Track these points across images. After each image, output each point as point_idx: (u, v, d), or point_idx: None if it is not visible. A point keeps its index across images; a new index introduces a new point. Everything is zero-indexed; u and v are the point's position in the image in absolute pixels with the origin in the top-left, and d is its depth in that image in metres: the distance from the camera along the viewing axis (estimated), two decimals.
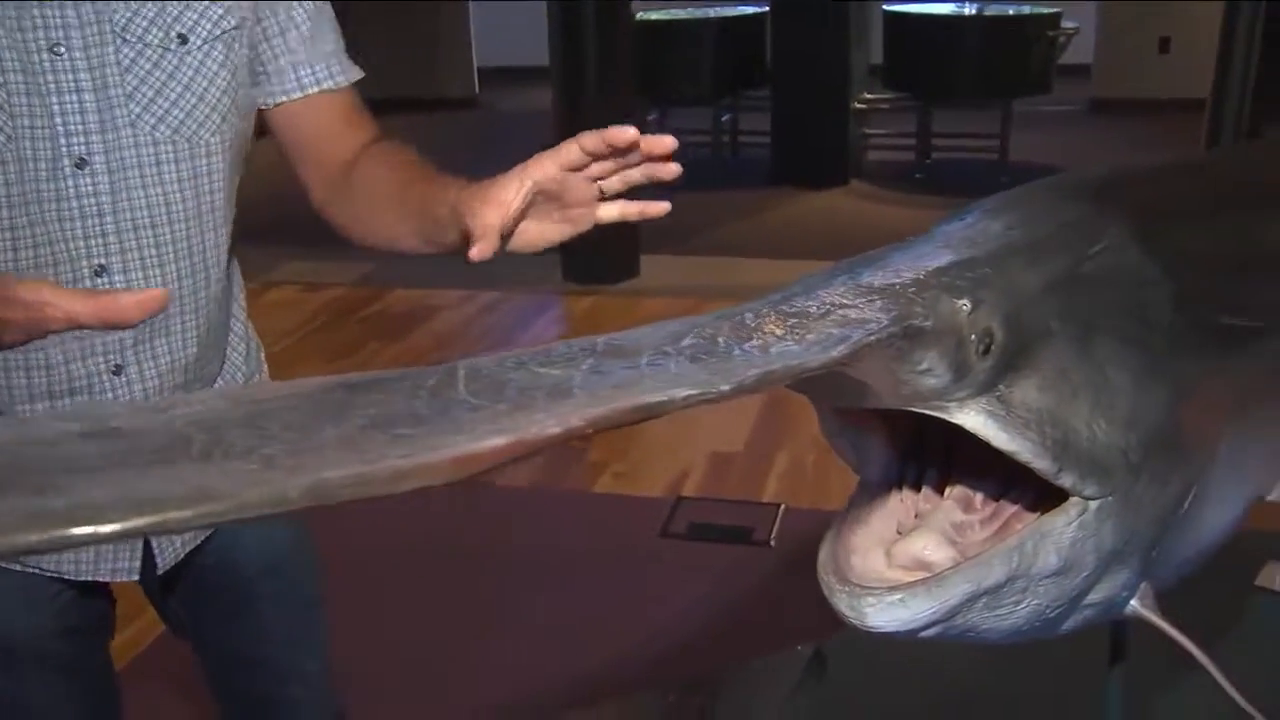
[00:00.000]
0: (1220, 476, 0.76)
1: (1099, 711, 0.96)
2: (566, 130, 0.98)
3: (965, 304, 0.58)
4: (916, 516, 0.71)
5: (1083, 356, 0.65)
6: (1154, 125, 6.44)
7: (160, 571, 1.20)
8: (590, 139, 0.94)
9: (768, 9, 6.22)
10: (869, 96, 6.33)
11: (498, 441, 0.35)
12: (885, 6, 6.22)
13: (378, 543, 2.57)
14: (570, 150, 0.94)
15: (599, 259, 4.62)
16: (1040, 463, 0.62)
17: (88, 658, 1.24)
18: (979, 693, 1.17)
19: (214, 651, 1.34)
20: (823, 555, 0.67)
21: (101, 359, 1.09)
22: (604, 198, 0.99)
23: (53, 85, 0.99)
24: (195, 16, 1.05)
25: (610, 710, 1.41)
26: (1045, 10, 5.95)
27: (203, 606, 1.29)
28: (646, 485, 3.09)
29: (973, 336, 0.58)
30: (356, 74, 1.20)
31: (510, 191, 0.95)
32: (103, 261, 1.05)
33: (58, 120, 1.00)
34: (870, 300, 0.55)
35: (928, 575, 0.63)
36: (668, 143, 0.97)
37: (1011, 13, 6.10)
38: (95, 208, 1.03)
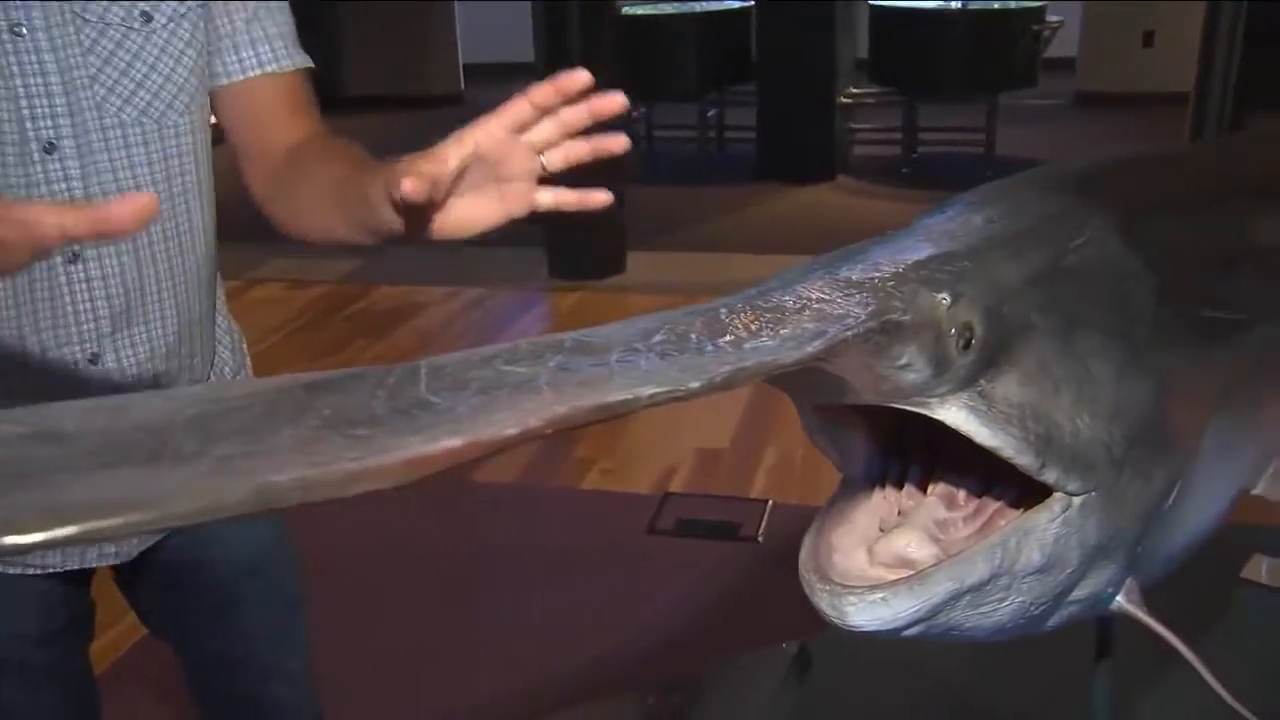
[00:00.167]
0: (1205, 470, 0.75)
1: (1085, 708, 0.96)
2: None
3: (945, 298, 0.57)
4: (899, 514, 0.70)
5: (1065, 350, 0.64)
6: (1138, 119, 6.46)
7: (119, 561, 1.19)
8: (539, 90, 0.88)
9: (753, 4, 6.21)
10: (855, 91, 6.33)
11: (452, 443, 0.34)
12: (871, 1, 6.22)
13: (360, 539, 2.55)
14: (518, 106, 0.88)
15: (585, 255, 4.62)
16: (1022, 458, 0.61)
17: (68, 663, 1.23)
18: (964, 690, 1.16)
19: (195, 652, 1.33)
20: (804, 553, 0.66)
21: (78, 347, 1.06)
22: (544, 178, 0.92)
23: (16, 68, 0.97)
24: None
25: (590, 712, 1.40)
26: (1030, 4, 5.95)
27: (184, 608, 1.28)
28: (634, 481, 3.09)
29: (952, 331, 0.57)
30: (303, 60, 1.16)
31: (448, 151, 0.88)
32: (76, 248, 1.03)
33: (23, 104, 0.98)
34: (848, 295, 0.54)
35: (910, 573, 0.63)
36: (617, 102, 0.89)
37: (996, 7, 6.11)
38: (67, 192, 1.01)
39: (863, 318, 0.53)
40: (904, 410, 0.61)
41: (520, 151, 0.90)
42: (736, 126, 6.68)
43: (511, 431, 0.35)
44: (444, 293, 4.61)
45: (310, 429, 0.36)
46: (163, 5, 1.03)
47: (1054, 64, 6.46)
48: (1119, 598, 0.73)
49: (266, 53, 1.12)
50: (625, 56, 4.86)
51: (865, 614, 0.61)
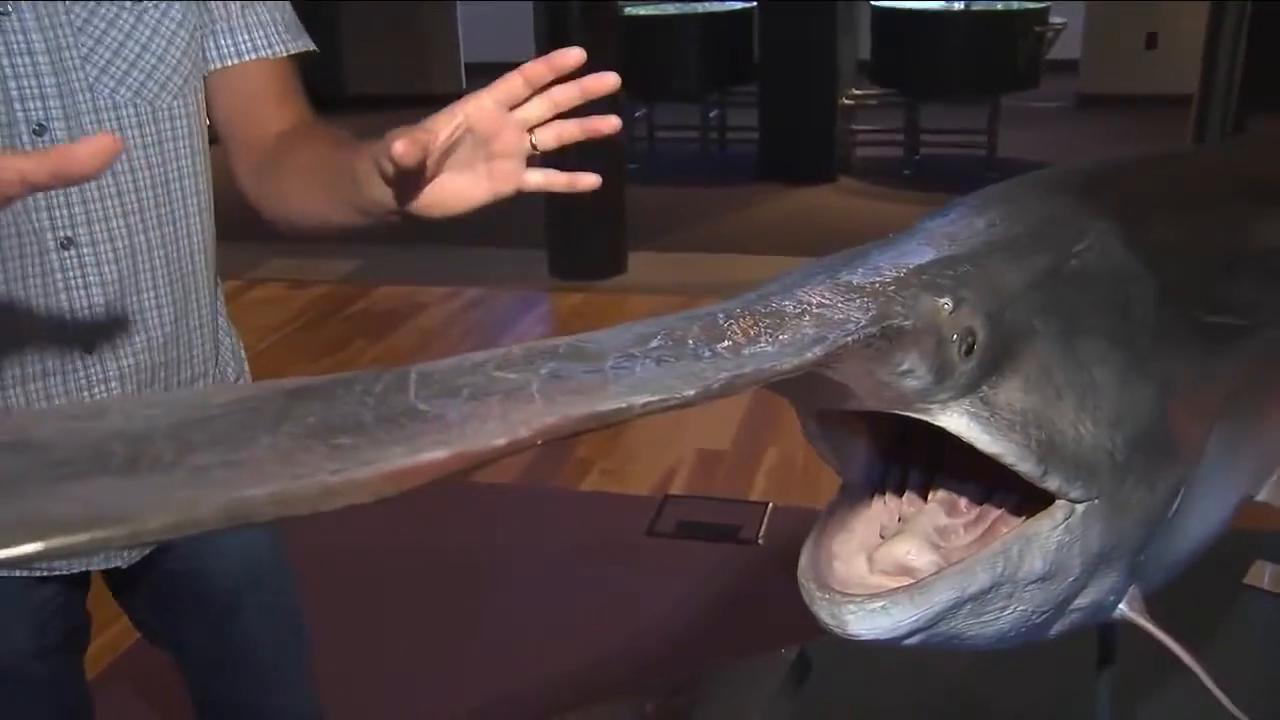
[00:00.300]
0: (1209, 476, 0.74)
1: (1088, 715, 0.95)
2: None
3: (947, 303, 0.57)
4: (900, 520, 0.69)
5: (1068, 356, 0.63)
6: (1141, 121, 6.45)
7: (125, 564, 1.17)
8: (535, 65, 0.87)
9: (755, 4, 6.20)
10: (857, 92, 6.32)
11: (437, 455, 0.33)
12: (873, 2, 6.21)
13: (358, 539, 2.54)
14: (511, 82, 0.87)
15: (586, 255, 4.61)
16: (1025, 465, 0.60)
17: (63, 675, 1.21)
18: (965, 697, 1.16)
19: (195, 660, 1.31)
20: (803, 560, 0.65)
21: (73, 335, 1.04)
22: (533, 158, 0.91)
23: (2, 47, 0.95)
24: None
25: (588, 717, 1.39)
26: (1033, 6, 5.94)
27: (183, 618, 1.26)
28: (634, 483, 3.08)
29: (954, 336, 0.57)
30: (297, 45, 1.14)
31: (438, 122, 0.87)
32: (69, 234, 1.01)
33: (11, 84, 0.96)
34: (849, 299, 0.54)
35: (910, 581, 0.62)
36: (609, 81, 0.88)
37: (999, 8, 6.10)
38: None
39: (863, 323, 0.52)
40: (905, 416, 0.60)
41: (511, 128, 0.89)
42: (738, 127, 6.67)
43: (500, 443, 0.34)
44: (444, 293, 4.60)
45: (291, 438, 0.35)
46: None
47: (1056, 66, 6.46)
48: (1121, 605, 0.73)
49: (261, 38, 1.10)
50: (627, 57, 4.85)
51: (865, 623, 0.60)
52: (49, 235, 1.01)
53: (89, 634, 1.24)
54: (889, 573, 0.65)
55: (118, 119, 1.02)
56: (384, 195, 0.92)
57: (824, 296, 0.54)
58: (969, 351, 0.57)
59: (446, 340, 4.21)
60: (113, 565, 1.17)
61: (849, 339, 0.51)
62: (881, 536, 0.68)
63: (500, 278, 4.65)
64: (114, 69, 1.01)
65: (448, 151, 0.88)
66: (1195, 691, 0.74)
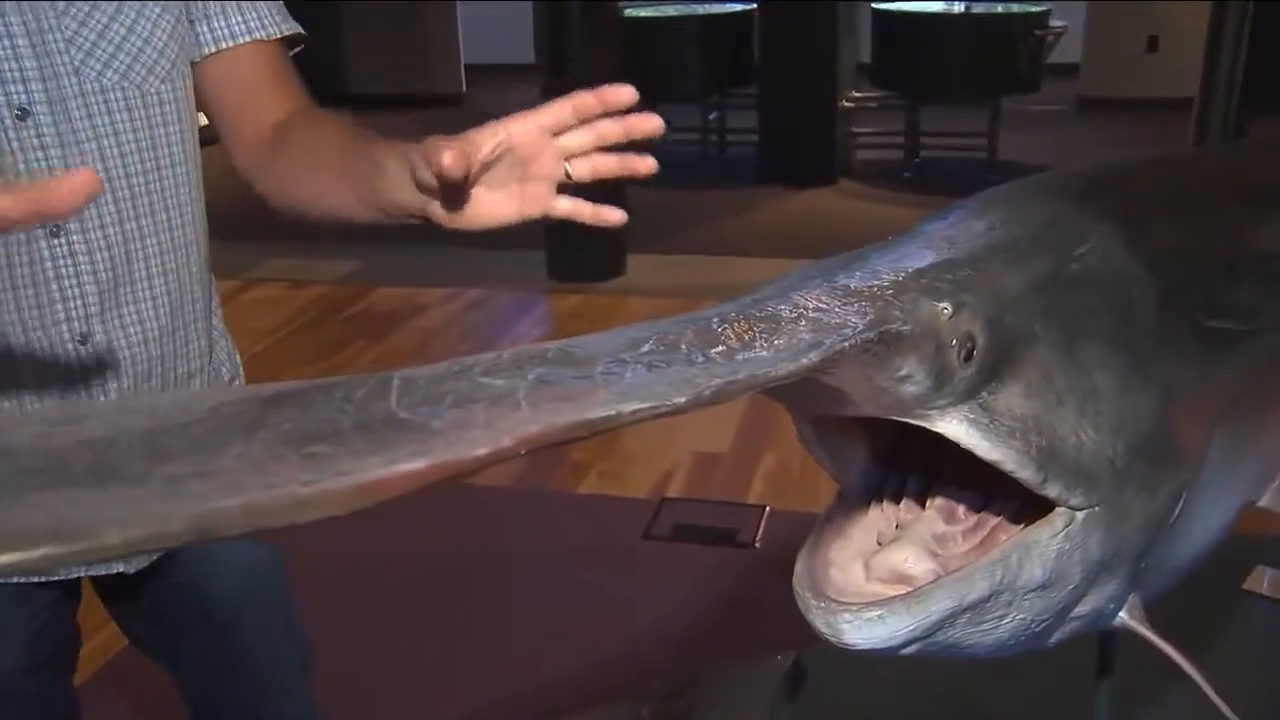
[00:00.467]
0: (1210, 483, 0.73)
1: None
2: None
3: (946, 307, 0.56)
4: (897, 527, 0.68)
5: (1068, 361, 0.62)
6: (1142, 124, 6.44)
7: (131, 571, 1.15)
8: (586, 97, 0.88)
9: (755, 6, 6.19)
10: (857, 95, 6.32)
11: (414, 466, 0.32)
12: (873, 4, 6.20)
13: (354, 542, 2.53)
14: (559, 108, 0.88)
15: (585, 257, 4.60)
16: (1025, 472, 0.59)
17: (51, 690, 1.19)
18: (963, 706, 1.15)
19: (192, 672, 1.29)
20: (799, 568, 0.64)
21: (65, 327, 1.02)
22: (567, 185, 0.92)
23: None
24: None
25: None
26: (1033, 9, 5.94)
27: (181, 633, 1.24)
28: (631, 486, 3.07)
29: (953, 341, 0.56)
30: (289, 29, 1.12)
31: (482, 136, 0.88)
32: (58, 221, 0.99)
33: None
34: (846, 303, 0.53)
35: (908, 590, 0.61)
36: (653, 124, 0.89)
37: (1000, 11, 6.09)
38: (44, 163, 0.96)
39: (861, 328, 0.51)
40: (903, 422, 0.59)
41: (550, 153, 0.90)
42: (738, 129, 6.66)
43: (481, 452, 0.33)
44: (444, 294, 4.59)
45: (265, 446, 0.34)
46: None
47: (1057, 69, 6.45)
48: (1122, 613, 0.72)
49: (254, 19, 1.09)
50: (627, 58, 4.85)
51: (861, 632, 0.59)
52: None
53: (79, 647, 1.23)
54: (886, 581, 0.64)
55: (105, 103, 1.00)
56: (411, 199, 0.92)
57: (821, 300, 0.53)
58: (968, 357, 0.57)
59: (446, 341, 4.20)
60: (115, 571, 1.14)
61: (846, 344, 0.50)
62: (879, 544, 0.67)
63: (500, 279, 4.64)
64: (99, 51, 0.99)
65: (484, 168, 0.89)
66: (1195, 699, 0.73)
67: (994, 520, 0.66)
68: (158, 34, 1.02)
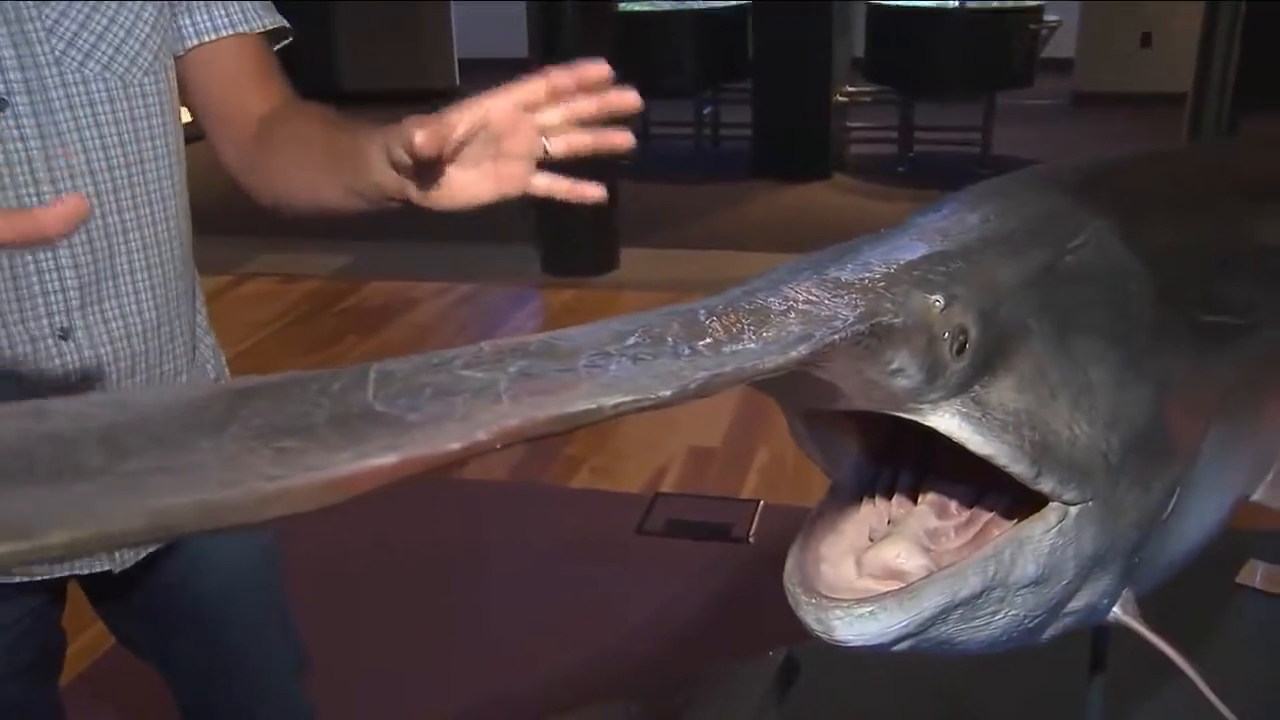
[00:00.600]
0: (1205, 477, 0.73)
1: (1079, 718, 0.94)
2: None
3: (938, 299, 0.55)
4: (889, 522, 0.68)
5: (1062, 355, 0.61)
6: (1136, 119, 6.45)
7: (116, 570, 1.14)
8: (561, 74, 0.87)
9: (749, 1, 6.19)
10: (851, 89, 6.31)
11: (385, 460, 0.31)
12: None
13: (345, 537, 2.53)
14: (534, 85, 0.87)
15: (578, 251, 4.60)
16: (1018, 467, 0.59)
17: (34, 695, 1.18)
18: (955, 702, 1.14)
19: (185, 673, 1.28)
20: (790, 564, 0.63)
21: (46, 321, 1.00)
22: (544, 162, 0.91)
23: None
24: None
25: (575, 719, 1.37)
26: (1027, 4, 5.94)
27: (173, 634, 1.23)
28: (624, 481, 3.06)
29: (946, 334, 0.55)
30: (273, 22, 1.12)
31: (456, 114, 0.86)
32: (49, 246, 0.97)
33: None
34: (836, 296, 0.52)
35: (900, 586, 0.60)
36: (631, 100, 0.88)
37: (994, 6, 6.09)
38: (24, 154, 0.95)
39: (851, 320, 0.50)
40: (895, 416, 0.59)
41: (526, 129, 0.89)
42: (732, 124, 6.66)
43: (455, 446, 0.32)
44: (436, 288, 4.59)
45: (234, 440, 0.33)
46: None
47: (1051, 64, 6.46)
48: (1115, 609, 0.71)
49: (237, 13, 1.08)
50: (622, 53, 4.84)
51: (853, 628, 0.59)
52: None
53: (64, 651, 1.21)
54: (878, 576, 0.63)
55: (87, 94, 0.98)
56: (388, 181, 0.91)
57: (811, 293, 0.52)
58: (961, 350, 0.56)
59: (439, 336, 4.19)
60: (99, 570, 1.12)
61: (836, 337, 0.49)
62: (871, 539, 0.66)
63: (493, 273, 4.64)
64: (81, 42, 0.97)
65: (460, 146, 0.88)
66: (1188, 695, 0.73)
67: (987, 515, 0.66)
68: (140, 26, 1.01)
